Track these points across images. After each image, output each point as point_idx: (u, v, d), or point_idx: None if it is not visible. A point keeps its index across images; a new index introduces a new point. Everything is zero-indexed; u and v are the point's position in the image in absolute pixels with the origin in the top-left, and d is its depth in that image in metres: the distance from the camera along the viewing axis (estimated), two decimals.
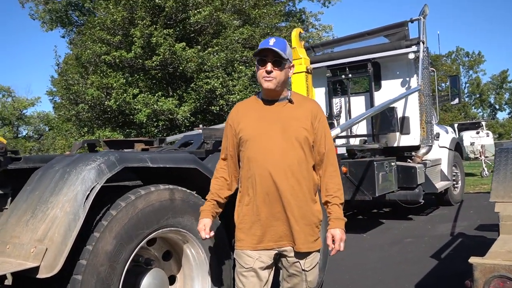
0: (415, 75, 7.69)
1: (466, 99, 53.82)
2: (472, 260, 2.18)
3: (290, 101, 2.44)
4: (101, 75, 12.17)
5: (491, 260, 2.16)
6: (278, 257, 2.44)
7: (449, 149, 9.03)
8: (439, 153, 8.75)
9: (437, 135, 8.71)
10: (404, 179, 7.18)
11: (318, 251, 2.46)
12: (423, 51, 7.45)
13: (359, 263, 5.47)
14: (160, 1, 12.02)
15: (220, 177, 2.56)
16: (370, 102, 7.80)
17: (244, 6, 13.54)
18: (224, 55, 12.03)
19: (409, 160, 7.69)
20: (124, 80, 12.00)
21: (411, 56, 7.52)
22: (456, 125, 22.01)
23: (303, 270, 2.39)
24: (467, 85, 54.74)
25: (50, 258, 2.15)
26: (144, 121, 11.72)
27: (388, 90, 7.83)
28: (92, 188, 2.36)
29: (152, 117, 11.86)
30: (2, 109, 40.89)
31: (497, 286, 2.10)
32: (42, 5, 23.08)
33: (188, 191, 2.98)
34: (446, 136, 9.21)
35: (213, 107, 12.48)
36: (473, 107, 54.20)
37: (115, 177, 2.56)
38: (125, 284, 2.56)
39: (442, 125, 10.24)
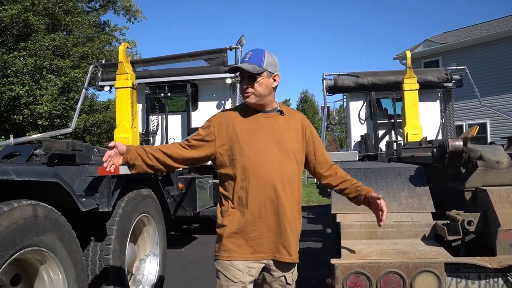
0: (230, 99, 8.21)
1: None
2: (333, 261, 2.57)
3: (281, 112, 2.39)
4: None
5: (347, 260, 2.59)
6: (262, 271, 2.34)
7: None
8: None
9: None
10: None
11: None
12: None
13: (183, 280, 5.54)
14: None
15: (171, 150, 2.35)
16: (187, 121, 8.04)
17: (56, 10, 12.63)
18: (33, 61, 10.88)
19: None
20: None
21: (229, 81, 7.95)
22: None
23: (287, 284, 2.36)
24: None
25: None
26: None
27: (204, 111, 8.15)
28: None
29: None
30: None
31: (353, 281, 2.49)
32: None
33: (49, 207, 2.70)
34: None
35: (15, 116, 11.18)
36: None
37: None
38: None
39: None
